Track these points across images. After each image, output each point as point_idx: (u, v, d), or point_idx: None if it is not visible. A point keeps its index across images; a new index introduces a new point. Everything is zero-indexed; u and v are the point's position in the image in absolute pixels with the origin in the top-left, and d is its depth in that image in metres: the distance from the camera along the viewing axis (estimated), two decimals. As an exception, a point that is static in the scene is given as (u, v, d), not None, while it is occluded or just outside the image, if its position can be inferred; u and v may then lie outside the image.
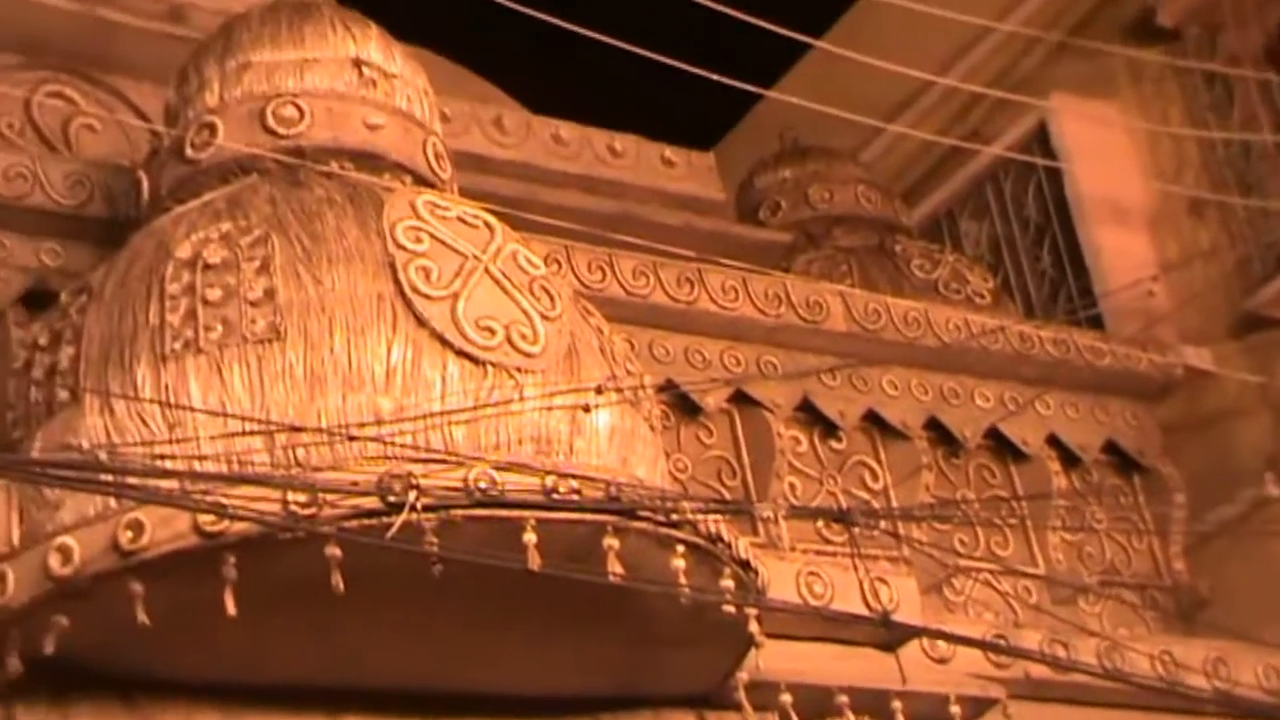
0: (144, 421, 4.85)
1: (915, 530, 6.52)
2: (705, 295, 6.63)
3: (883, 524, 6.00)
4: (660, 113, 8.01)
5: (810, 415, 6.73)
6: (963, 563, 6.68)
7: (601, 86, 8.24)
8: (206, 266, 5.03)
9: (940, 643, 5.68)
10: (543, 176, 7.11)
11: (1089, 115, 8.08)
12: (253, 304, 4.96)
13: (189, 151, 5.50)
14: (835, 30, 8.98)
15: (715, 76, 6.23)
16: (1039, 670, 5.85)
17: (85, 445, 4.79)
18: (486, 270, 5.16)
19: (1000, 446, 7.03)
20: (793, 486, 6.62)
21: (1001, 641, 5.84)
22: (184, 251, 5.08)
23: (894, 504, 6.71)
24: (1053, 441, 7.11)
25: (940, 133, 8.26)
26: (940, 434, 6.93)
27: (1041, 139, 8.26)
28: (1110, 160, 8.09)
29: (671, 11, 6.47)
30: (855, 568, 5.47)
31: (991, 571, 6.70)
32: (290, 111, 5.48)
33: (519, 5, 5.86)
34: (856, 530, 5.58)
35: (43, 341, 5.19)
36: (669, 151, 7.65)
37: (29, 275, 5.68)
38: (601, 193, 7.21)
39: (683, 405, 6.48)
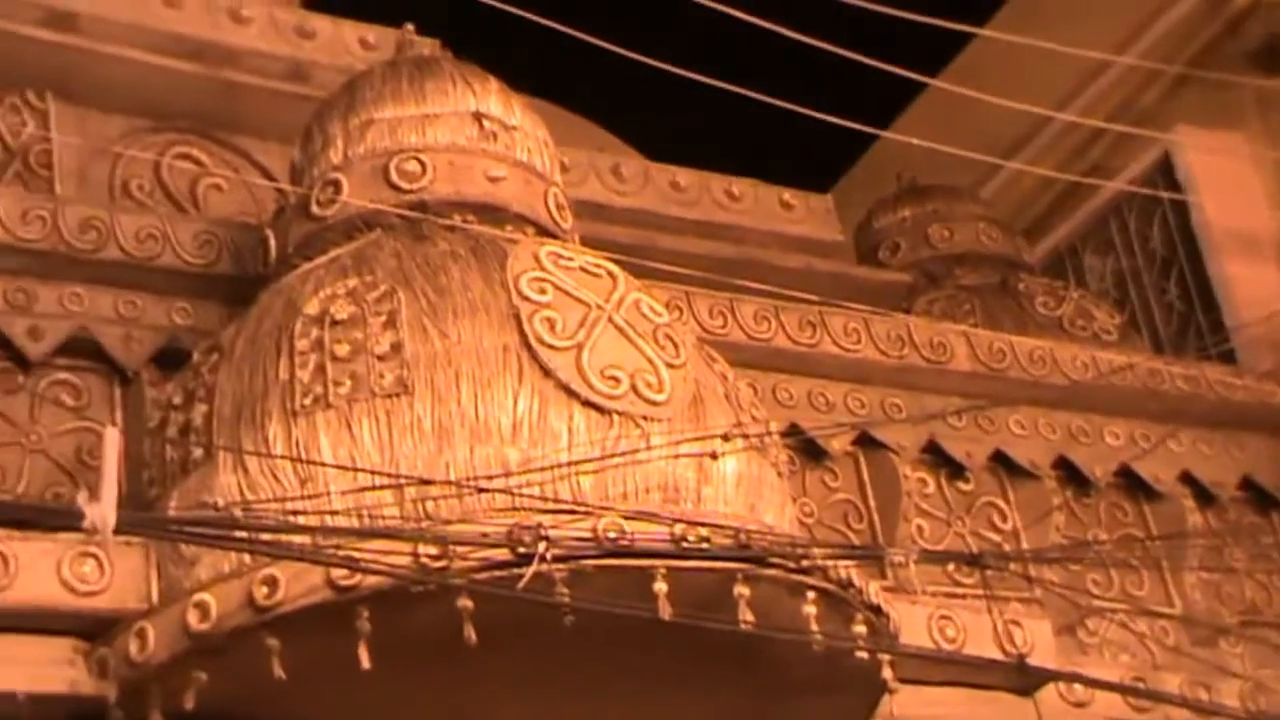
0: (276, 478, 4.93)
1: (1047, 571, 6.44)
2: (827, 338, 6.62)
3: (1014, 566, 5.93)
4: (777, 156, 8.04)
5: (937, 457, 6.69)
6: (1097, 604, 6.59)
7: (717, 132, 8.30)
8: (334, 322, 5.11)
9: (1077, 686, 5.61)
10: (661, 223, 7.18)
11: (1214, 146, 8.00)
12: (380, 358, 5.02)
13: (315, 209, 5.60)
14: (951, 68, 8.96)
15: (831, 118, 6.24)
16: (1180, 714, 5.77)
17: (220, 502, 4.87)
18: (610, 319, 5.22)
19: (1132, 485, 6.96)
20: (920, 529, 6.58)
21: (1141, 685, 5.77)
22: (312, 308, 5.16)
23: (1024, 545, 6.64)
24: (1186, 479, 7.01)
25: (1061, 168, 8.21)
26: (1070, 473, 6.87)
27: (1166, 171, 8.18)
28: (1238, 191, 8.00)
29: (785, 55, 6.49)
30: (989, 611, 5.41)
31: (1127, 612, 6.60)
32: (413, 166, 5.56)
33: (635, 54, 5.86)
34: (988, 573, 5.52)
35: (176, 400, 5.29)
36: (787, 195, 7.67)
37: (161, 334, 5.78)
38: (721, 238, 7.27)
39: (807, 450, 6.47)
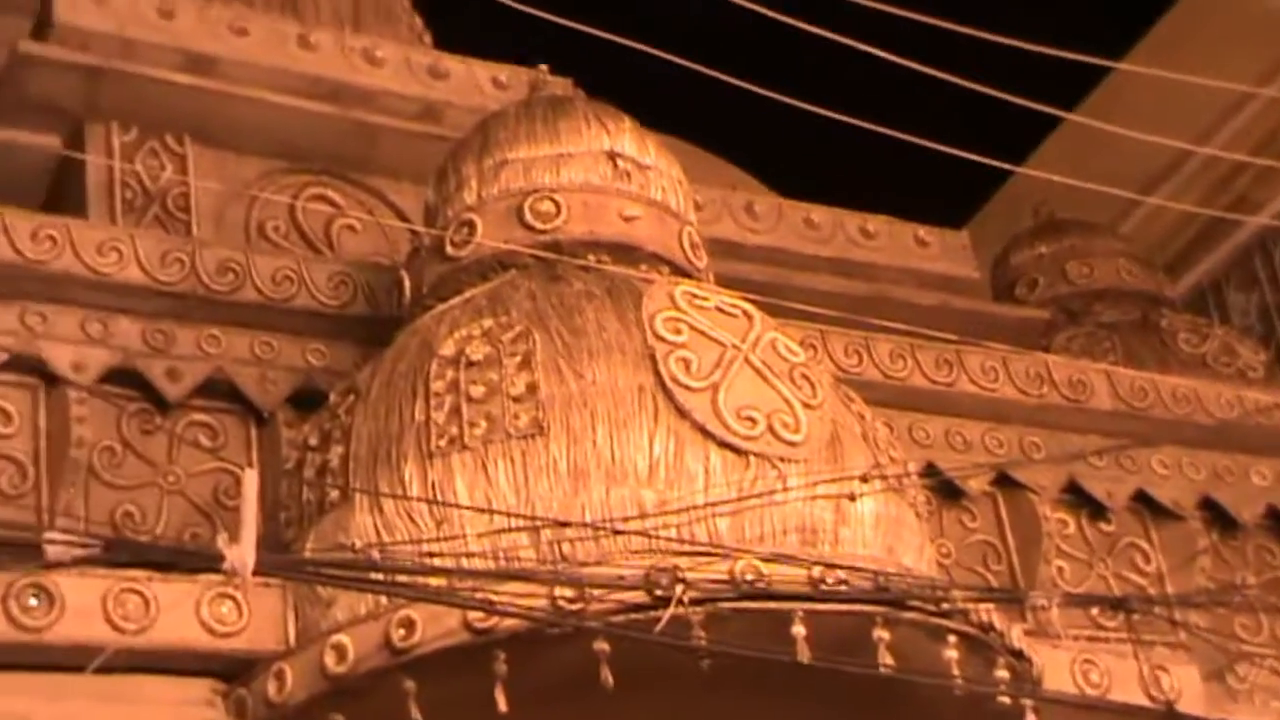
0: (412, 519, 4.99)
1: (1194, 616, 6.32)
2: (965, 377, 6.59)
3: (1160, 610, 5.82)
4: (911, 192, 7.99)
5: (1077, 497, 6.62)
6: (1246, 649, 6.45)
7: (851, 168, 8.26)
8: (470, 363, 5.16)
9: (1227, 734, 5.49)
10: (796, 261, 7.21)
11: (1362, 178, 7.85)
12: (515, 399, 5.07)
13: (449, 249, 5.68)
14: (1089, 101, 8.86)
15: (967, 154, 6.18)
16: (1334, 763, 5.62)
17: (357, 544, 4.93)
18: (746, 359, 5.24)
19: (1280, 526, 6.82)
20: (1061, 571, 6.50)
21: (1294, 733, 5.62)
22: (447, 349, 5.22)
23: (1169, 588, 6.53)
24: (1337, 520, 6.87)
25: (1203, 202, 8.08)
26: (1216, 514, 6.75)
27: (1313, 204, 8.04)
28: (1386, 224, 7.84)
29: (920, 89, 6.46)
30: (1135, 656, 5.31)
31: (1277, 658, 6.46)
32: (547, 207, 5.63)
33: (767, 90, 5.86)
34: (1133, 616, 5.41)
35: (313, 442, 5.37)
36: (922, 231, 7.64)
37: (297, 375, 5.85)
38: (855, 275, 7.27)
39: (945, 490, 6.44)
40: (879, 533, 5.14)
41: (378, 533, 5.02)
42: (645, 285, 5.41)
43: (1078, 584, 6.45)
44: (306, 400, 5.81)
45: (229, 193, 6.46)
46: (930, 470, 6.29)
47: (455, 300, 5.52)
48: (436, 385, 5.16)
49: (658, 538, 4.86)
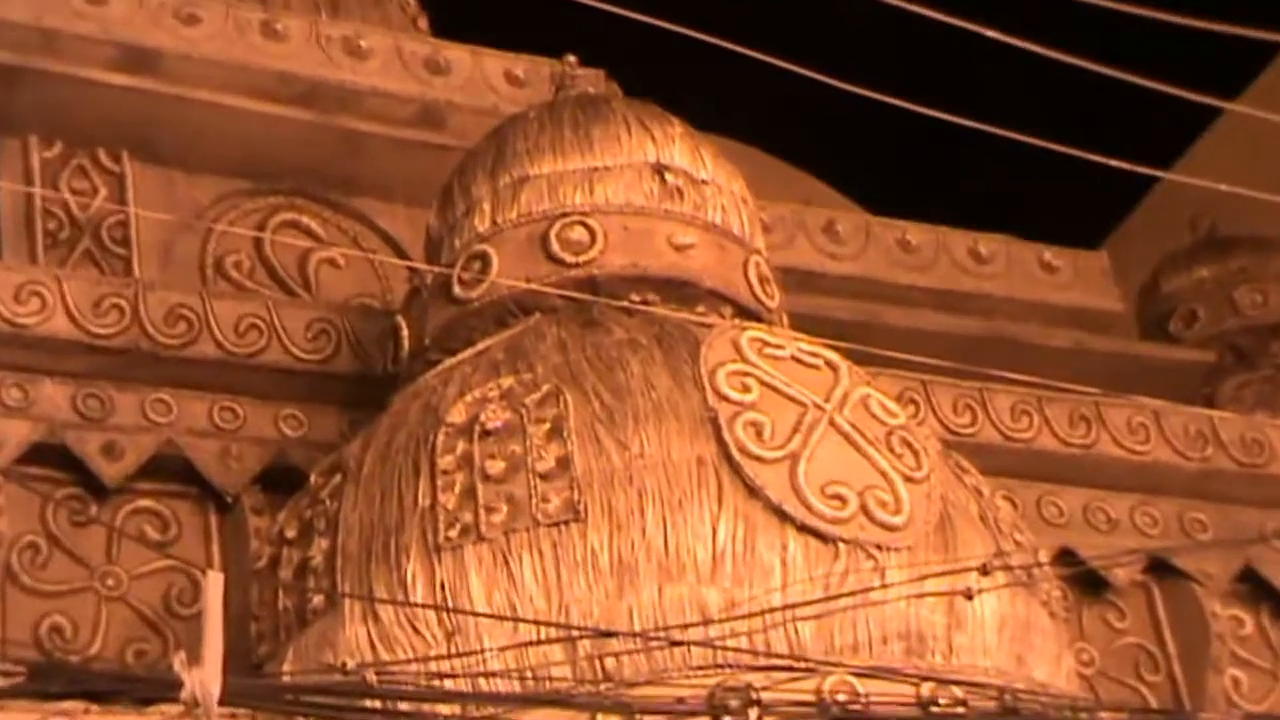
0: (416, 630, 5.15)
1: (1404, 739, 6.41)
2: (1106, 436, 6.71)
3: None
4: (1033, 204, 8.10)
5: (1255, 588, 6.71)
6: None
7: (956, 176, 8.36)
8: (485, 433, 5.36)
9: None
10: (889, 293, 7.40)
11: None
12: (544, 477, 5.27)
13: (457, 290, 5.91)
14: (1251, 91, 8.94)
15: (1101, 158, 6.25)
16: None
17: (348, 663, 5.04)
18: (832, 422, 5.43)
19: None
20: (1237, 682, 6.58)
21: None
22: (457, 415, 5.43)
23: (1378, 702, 6.62)
24: None
25: (1404, 210, 8.13)
26: None
27: None
28: None
29: (1036, 78, 6.56)
30: (1334, 791, 5.41)
31: None
32: (579, 234, 5.87)
33: (846, 84, 5.97)
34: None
35: (290, 534, 5.59)
36: (1049, 253, 7.76)
37: (267, 449, 6.07)
38: (965, 310, 7.44)
39: (1085, 581, 6.59)
40: (1003, 638, 5.31)
41: (374, 648, 5.19)
42: (704, 331, 5.62)
43: (1259, 699, 6.59)
44: (280, 481, 6.01)
45: (178, 222, 6.66)
46: (1067, 557, 6.41)
47: (466, 353, 5.76)
48: (444, 461, 5.35)
49: (725, 649, 5.04)
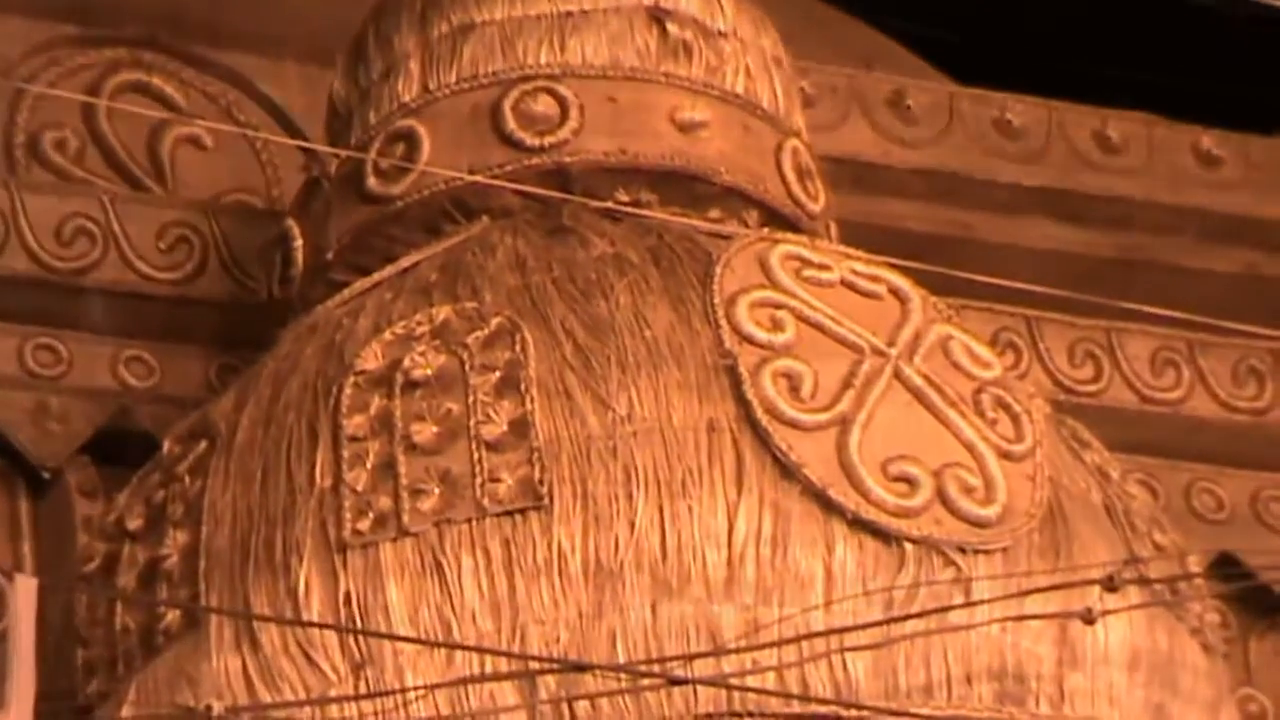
0: (311, 660, 5.28)
1: None
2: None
3: None
4: (1182, 69, 8.23)
5: None
6: None
7: (1074, 30, 8.47)
8: (410, 384, 5.49)
9: None
10: (984, 194, 7.52)
11: None
12: (492, 448, 5.40)
13: (372, 182, 6.09)
14: None
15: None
16: None
17: (215, 706, 5.12)
18: (898, 374, 5.59)
19: None
20: None
21: None
22: (371, 359, 5.57)
23: None
24: None
25: None
26: None
27: None
28: None
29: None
30: None
31: None
32: (545, 106, 6.07)
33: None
34: None
35: (133, 524, 5.71)
36: (1208, 139, 7.82)
37: (101, 406, 6.33)
38: (1089, 219, 7.54)
39: (1253, 600, 6.75)
40: (1136, 680, 5.45)
41: (250, 685, 5.32)
42: (719, 245, 5.77)
43: None
44: (119, 451, 6.25)
45: None
46: (1227, 566, 6.55)
47: (385, 272, 5.91)
48: (353, 424, 5.47)
49: (743, 689, 5.20)
